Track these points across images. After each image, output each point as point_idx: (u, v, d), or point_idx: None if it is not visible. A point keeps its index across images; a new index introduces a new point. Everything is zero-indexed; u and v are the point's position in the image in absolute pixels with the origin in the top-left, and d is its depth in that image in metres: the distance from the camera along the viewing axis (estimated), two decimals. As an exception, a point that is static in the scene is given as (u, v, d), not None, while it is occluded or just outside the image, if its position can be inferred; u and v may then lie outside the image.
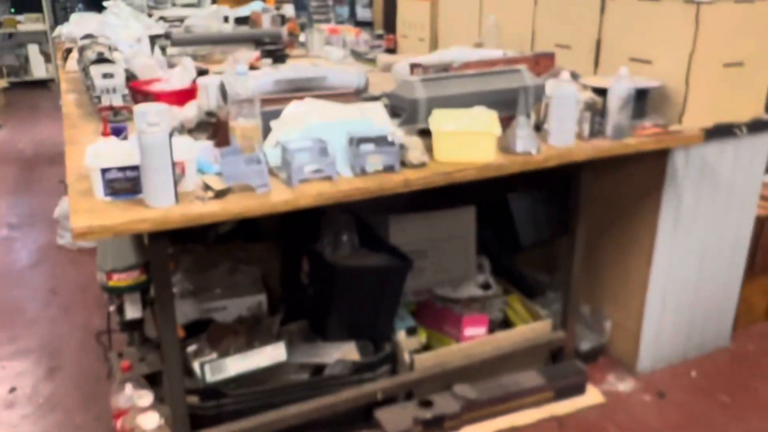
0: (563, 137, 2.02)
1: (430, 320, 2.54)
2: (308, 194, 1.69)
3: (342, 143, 1.88)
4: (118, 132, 2.03)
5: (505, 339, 2.45)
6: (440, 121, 1.96)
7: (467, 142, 1.89)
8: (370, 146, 1.86)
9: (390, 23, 4.91)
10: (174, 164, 1.60)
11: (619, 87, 2.04)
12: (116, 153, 1.72)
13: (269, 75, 2.26)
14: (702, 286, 2.62)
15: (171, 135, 1.57)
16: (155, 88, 2.51)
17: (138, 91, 2.53)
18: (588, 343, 2.65)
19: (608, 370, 2.66)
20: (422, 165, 1.88)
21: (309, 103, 2.07)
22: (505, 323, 2.60)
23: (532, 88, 2.19)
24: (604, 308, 2.70)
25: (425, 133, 2.05)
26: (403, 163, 1.86)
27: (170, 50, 3.47)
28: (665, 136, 2.15)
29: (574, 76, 2.39)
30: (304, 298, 2.45)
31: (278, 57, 3.46)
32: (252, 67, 2.98)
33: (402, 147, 1.86)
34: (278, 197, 1.67)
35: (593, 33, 2.59)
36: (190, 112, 2.24)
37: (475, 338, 2.43)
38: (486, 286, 2.66)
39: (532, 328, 2.49)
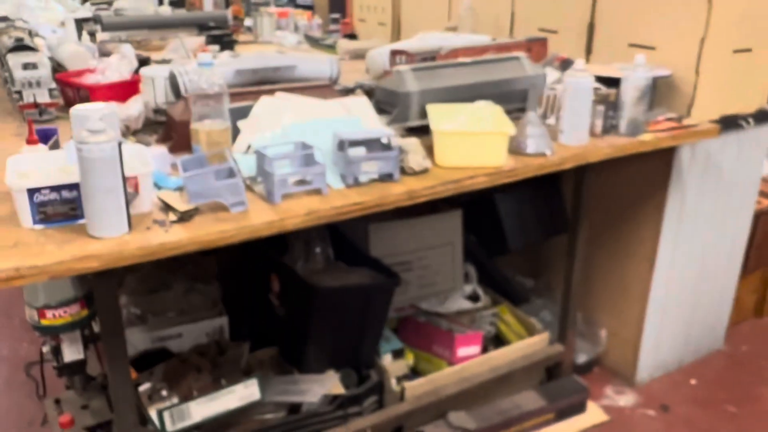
0: (577, 135, 1.74)
1: (416, 339, 2.24)
2: (295, 213, 1.35)
3: (327, 147, 1.55)
4: (47, 137, 1.63)
5: (501, 357, 2.17)
6: (439, 118, 1.65)
7: (476, 144, 1.58)
8: (362, 150, 1.53)
9: (337, 6, 4.54)
10: (126, 182, 1.23)
11: (635, 76, 1.77)
12: (47, 167, 1.33)
13: (229, 64, 1.89)
14: (701, 288, 2.41)
15: (120, 145, 1.20)
16: (89, 80, 2.10)
17: (68, 84, 2.11)
18: (584, 355, 2.41)
19: (605, 382, 2.43)
20: (424, 171, 1.57)
21: (282, 98, 1.72)
22: (497, 338, 2.32)
23: (533, 78, 1.91)
24: (598, 317, 2.47)
25: (415, 133, 1.73)
26: (402, 170, 1.54)
27: (100, 36, 3.02)
28: (681, 131, 1.90)
29: (569, 64, 2.12)
30: (274, 321, 2.11)
31: (226, 43, 3.06)
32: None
33: (401, 151, 1.54)
34: (259, 218, 1.33)
35: (585, 16, 2.33)
36: (134, 109, 1.85)
37: (469, 359, 2.15)
38: (474, 297, 2.38)
39: (528, 344, 2.22)
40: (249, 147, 1.56)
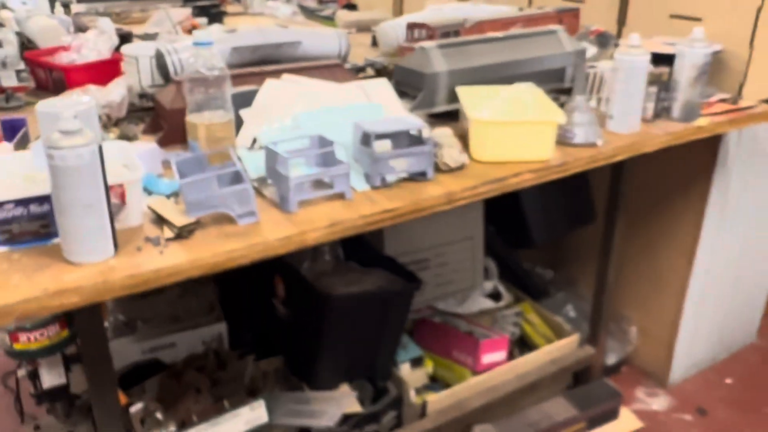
0: (629, 121, 1.51)
1: (434, 343, 2.01)
2: (316, 224, 1.11)
3: (345, 140, 1.30)
4: (14, 129, 1.36)
5: (528, 363, 1.96)
6: (474, 104, 1.40)
7: (521, 135, 1.34)
8: (388, 144, 1.29)
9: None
10: (109, 193, 0.98)
11: (693, 53, 1.54)
12: (12, 174, 1.07)
13: (224, 41, 1.62)
14: (741, 281, 2.21)
15: (101, 148, 0.95)
16: (63, 60, 1.82)
17: (38, 64, 1.83)
18: (613, 355, 2.21)
19: (635, 383, 2.23)
20: (460, 168, 1.33)
21: (289, 81, 1.47)
22: (521, 341, 2.11)
23: (573, 55, 1.66)
24: (627, 313, 2.26)
25: (438, 120, 1.49)
26: (436, 167, 1.30)
27: (75, 7, 2.72)
28: (738, 115, 1.67)
29: (607, 38, 1.88)
30: (279, 326, 1.88)
31: (213, 15, 2.77)
32: (189, 31, 2.31)
33: (435, 145, 1.29)
34: (273, 232, 1.08)
35: (617, -17, 2.08)
36: (116, 94, 1.58)
37: (495, 366, 1.93)
38: (495, 295, 2.16)
39: (557, 347, 2.01)
40: (254, 141, 1.31)
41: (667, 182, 2.02)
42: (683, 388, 2.21)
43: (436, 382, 1.97)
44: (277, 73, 1.51)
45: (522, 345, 2.10)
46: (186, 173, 1.11)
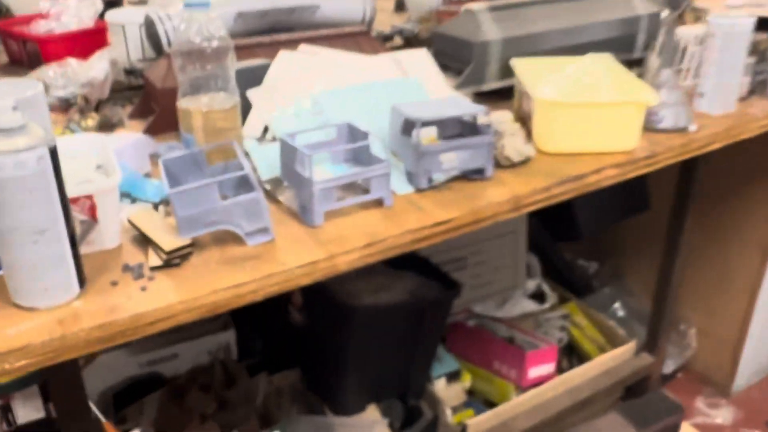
0: (724, 100, 1.22)
1: (471, 352, 1.75)
2: (350, 245, 0.83)
3: (379, 128, 1.02)
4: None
5: (580, 376, 1.70)
6: (536, 80, 1.11)
7: (601, 120, 1.05)
8: (433, 132, 1.01)
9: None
10: (70, 209, 0.71)
11: (802, 15, 1.24)
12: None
13: (226, 4, 1.32)
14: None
15: (55, 150, 0.68)
16: (40, 29, 1.53)
17: (11, 35, 1.54)
18: (671, 361, 1.94)
19: (694, 392, 1.97)
20: (524, 162, 1.04)
21: (307, 52, 1.18)
22: (568, 347, 1.84)
23: (647, 19, 1.37)
24: (685, 313, 1.99)
25: (484, 99, 1.21)
26: (495, 162, 1.02)
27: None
28: None
29: (678, -2, 1.57)
30: (295, 336, 1.62)
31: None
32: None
33: (495, 134, 1.01)
34: (294, 255, 0.81)
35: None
36: (98, 70, 1.30)
37: (542, 379, 1.67)
38: (539, 296, 1.89)
39: (612, 357, 1.75)
40: (266, 131, 1.03)
41: (741, 168, 1.72)
42: (748, 396, 1.94)
43: (473, 396, 1.71)
44: (291, 43, 1.22)
45: (569, 352, 1.84)
46: (177, 177, 0.83)
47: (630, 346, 1.76)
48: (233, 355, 1.69)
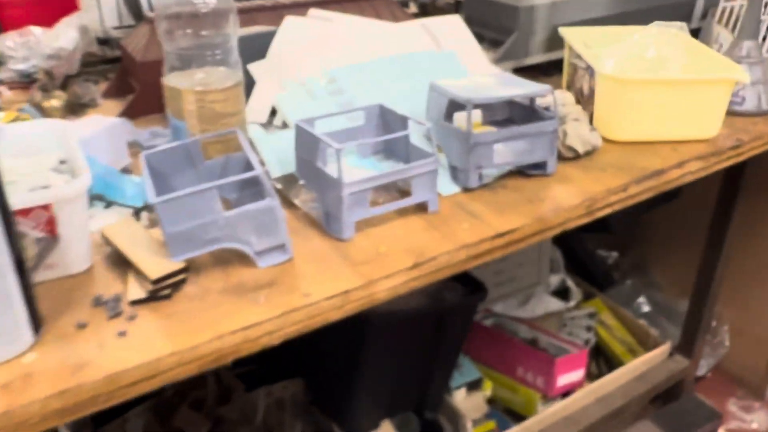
0: (810, 77, 1.03)
1: (491, 356, 1.57)
2: (393, 266, 0.63)
3: (413, 112, 0.82)
4: None
5: (612, 383, 1.53)
6: (594, 53, 0.92)
7: (680, 101, 0.86)
8: (477, 117, 0.81)
9: None
10: (14, 231, 0.50)
11: None
12: None
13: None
14: None
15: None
16: (-5, -9, 1.30)
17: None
18: (704, 362, 1.78)
19: (726, 394, 1.81)
20: (590, 153, 0.85)
21: (319, 17, 0.97)
22: (595, 349, 1.67)
23: (709, -19, 1.17)
24: (718, 309, 1.83)
25: (526, 74, 1.01)
26: (558, 154, 0.82)
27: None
28: None
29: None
30: (298, 344, 1.42)
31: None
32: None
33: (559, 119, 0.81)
34: (321, 285, 0.61)
35: None
36: (66, 40, 1.09)
37: (572, 387, 1.50)
38: (563, 292, 1.71)
39: (645, 361, 1.58)
40: (273, 114, 0.82)
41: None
42: (784, 398, 1.79)
43: (493, 404, 1.54)
44: (298, 7, 1.01)
45: (595, 353, 1.67)
46: (165, 177, 0.63)
47: (664, 349, 1.60)
48: (227, 362, 1.49)
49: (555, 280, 1.70)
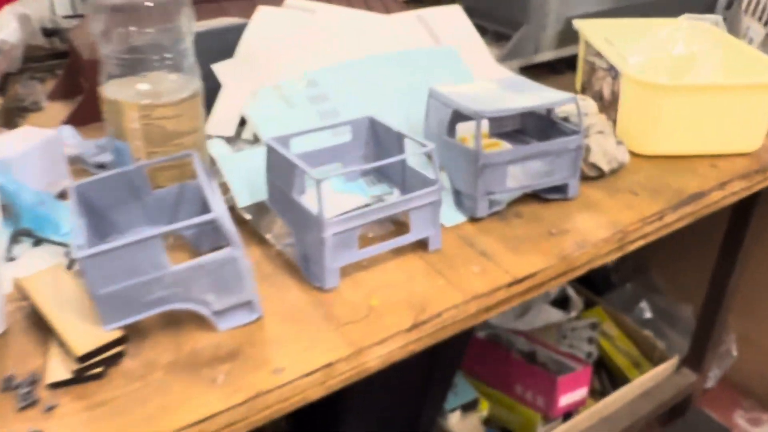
0: None
1: (487, 372, 1.46)
2: (388, 327, 0.51)
3: (408, 122, 0.69)
4: None
5: (618, 401, 1.42)
6: (615, 51, 0.79)
7: (721, 110, 0.73)
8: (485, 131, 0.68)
9: None
10: None
11: None
12: None
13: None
14: None
15: None
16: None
17: None
18: (710, 373, 1.68)
19: (732, 405, 1.71)
20: (615, 171, 0.72)
21: (297, 8, 0.83)
22: (597, 362, 1.56)
23: (738, -32, 1.04)
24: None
25: (530, 73, 0.88)
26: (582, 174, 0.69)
27: None
28: None
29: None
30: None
31: None
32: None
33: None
34: (298, 355, 0.48)
35: None
36: (7, 31, 0.94)
37: (575, 407, 1.39)
38: (562, 301, 1.59)
39: (652, 377, 1.47)
40: (242, 126, 0.68)
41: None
42: (792, 410, 1.70)
43: (490, 424, 1.43)
44: (274, -3, 0.87)
45: (597, 366, 1.55)
46: (101, 215, 0.49)
47: (671, 363, 1.49)
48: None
49: (555, 288, 1.58)
